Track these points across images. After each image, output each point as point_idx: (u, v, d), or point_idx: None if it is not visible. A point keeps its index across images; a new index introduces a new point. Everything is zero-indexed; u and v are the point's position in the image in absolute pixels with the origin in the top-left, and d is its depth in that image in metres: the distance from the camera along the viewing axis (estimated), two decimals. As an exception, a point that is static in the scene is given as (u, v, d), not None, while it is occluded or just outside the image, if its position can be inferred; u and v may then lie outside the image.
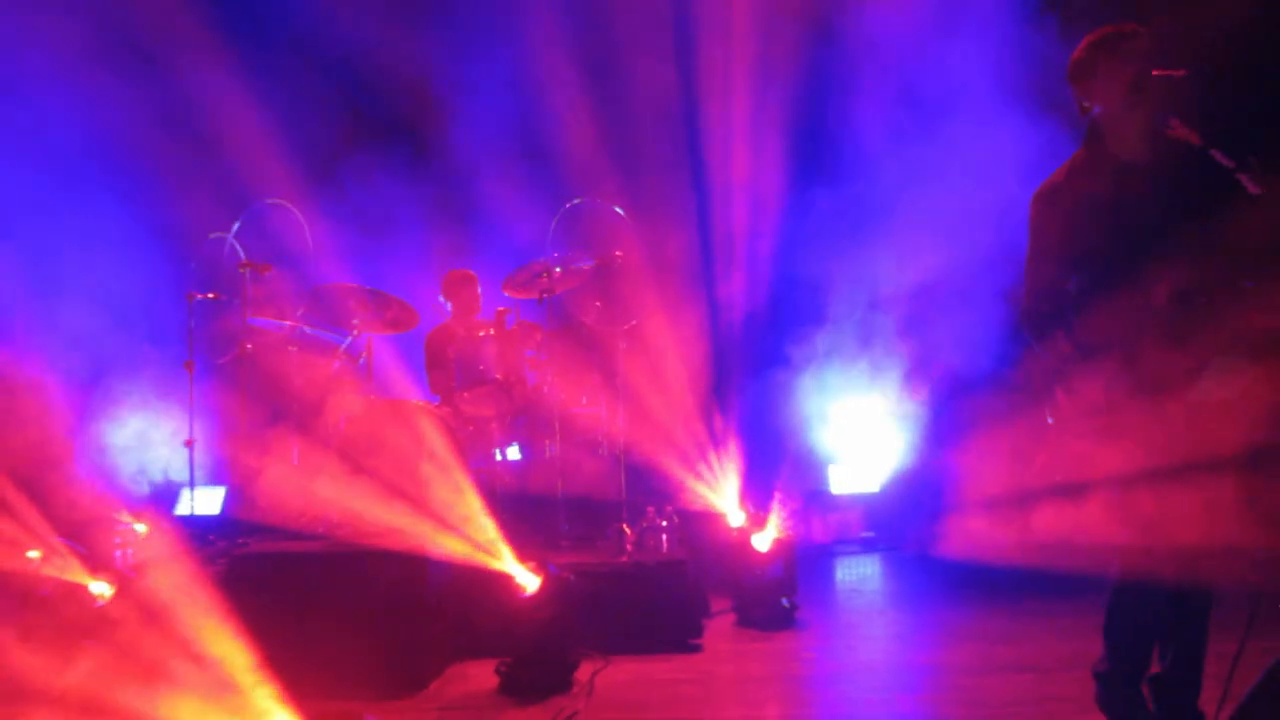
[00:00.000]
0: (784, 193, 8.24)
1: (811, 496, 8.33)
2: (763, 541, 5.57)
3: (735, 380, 8.34)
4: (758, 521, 5.82)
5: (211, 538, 6.20)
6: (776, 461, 8.00)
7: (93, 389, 7.48)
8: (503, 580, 4.59)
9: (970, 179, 6.92)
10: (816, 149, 8.06)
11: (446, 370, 6.28)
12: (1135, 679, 3.17)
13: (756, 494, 6.63)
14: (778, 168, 8.19)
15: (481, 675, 4.56)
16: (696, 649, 5.00)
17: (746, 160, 8.25)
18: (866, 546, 8.17)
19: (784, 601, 5.51)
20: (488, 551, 4.84)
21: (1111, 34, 3.09)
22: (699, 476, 6.81)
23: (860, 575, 7.26)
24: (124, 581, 4.75)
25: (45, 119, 7.08)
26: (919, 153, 7.54)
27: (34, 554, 5.25)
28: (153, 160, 7.32)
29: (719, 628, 5.46)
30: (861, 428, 8.57)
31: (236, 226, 6.30)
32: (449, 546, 4.98)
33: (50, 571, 4.94)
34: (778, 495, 6.20)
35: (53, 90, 7.02)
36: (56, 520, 5.34)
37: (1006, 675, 4.30)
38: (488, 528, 5.07)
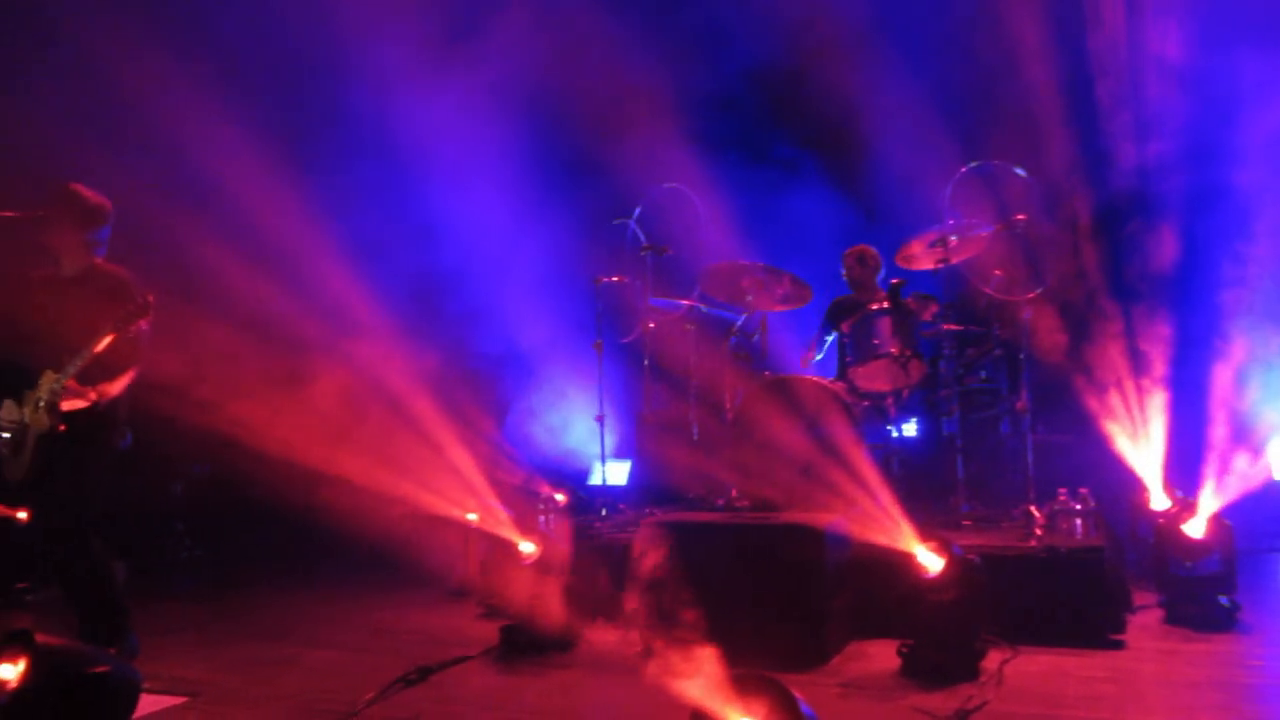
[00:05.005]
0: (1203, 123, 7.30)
1: (1251, 481, 7.36)
2: (1195, 530, 5.00)
3: (1153, 345, 7.56)
4: (1187, 507, 5.22)
5: (621, 507, 6.67)
6: (1207, 439, 7.17)
7: (517, 371, 8.30)
8: (903, 559, 4.47)
9: None
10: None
11: (839, 344, 6.27)
12: None
13: (1183, 476, 5.96)
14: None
15: (882, 655, 4.49)
16: (1117, 645, 4.60)
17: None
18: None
19: (1222, 599, 4.91)
20: (886, 529, 4.75)
21: None
22: (1115, 454, 6.24)
23: (1317, 574, 6.34)
24: (547, 543, 5.21)
25: (477, 144, 7.88)
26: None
27: (473, 515, 5.94)
28: (564, 155, 7.94)
29: (1143, 623, 4.98)
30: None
31: (638, 211, 6.66)
32: (846, 522, 4.96)
33: (489, 529, 5.55)
34: (1210, 477, 5.54)
35: (483, 109, 7.80)
36: (490, 486, 5.99)
37: None
38: (886, 505, 4.99)
